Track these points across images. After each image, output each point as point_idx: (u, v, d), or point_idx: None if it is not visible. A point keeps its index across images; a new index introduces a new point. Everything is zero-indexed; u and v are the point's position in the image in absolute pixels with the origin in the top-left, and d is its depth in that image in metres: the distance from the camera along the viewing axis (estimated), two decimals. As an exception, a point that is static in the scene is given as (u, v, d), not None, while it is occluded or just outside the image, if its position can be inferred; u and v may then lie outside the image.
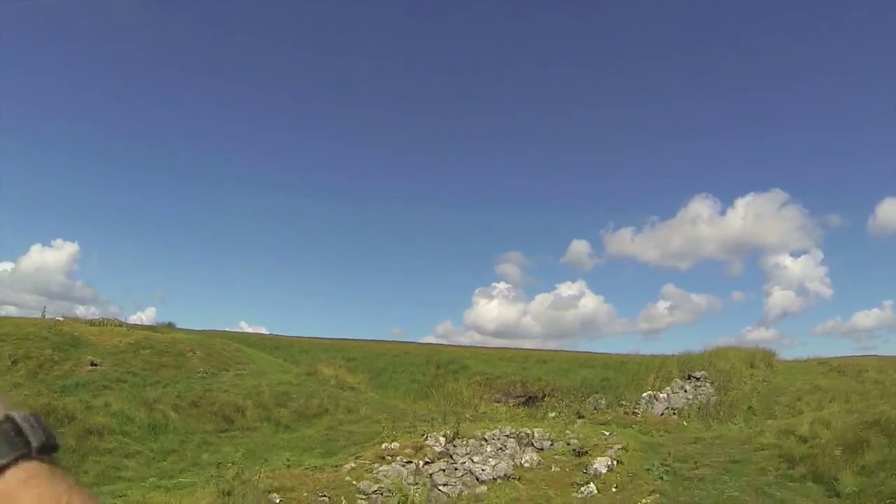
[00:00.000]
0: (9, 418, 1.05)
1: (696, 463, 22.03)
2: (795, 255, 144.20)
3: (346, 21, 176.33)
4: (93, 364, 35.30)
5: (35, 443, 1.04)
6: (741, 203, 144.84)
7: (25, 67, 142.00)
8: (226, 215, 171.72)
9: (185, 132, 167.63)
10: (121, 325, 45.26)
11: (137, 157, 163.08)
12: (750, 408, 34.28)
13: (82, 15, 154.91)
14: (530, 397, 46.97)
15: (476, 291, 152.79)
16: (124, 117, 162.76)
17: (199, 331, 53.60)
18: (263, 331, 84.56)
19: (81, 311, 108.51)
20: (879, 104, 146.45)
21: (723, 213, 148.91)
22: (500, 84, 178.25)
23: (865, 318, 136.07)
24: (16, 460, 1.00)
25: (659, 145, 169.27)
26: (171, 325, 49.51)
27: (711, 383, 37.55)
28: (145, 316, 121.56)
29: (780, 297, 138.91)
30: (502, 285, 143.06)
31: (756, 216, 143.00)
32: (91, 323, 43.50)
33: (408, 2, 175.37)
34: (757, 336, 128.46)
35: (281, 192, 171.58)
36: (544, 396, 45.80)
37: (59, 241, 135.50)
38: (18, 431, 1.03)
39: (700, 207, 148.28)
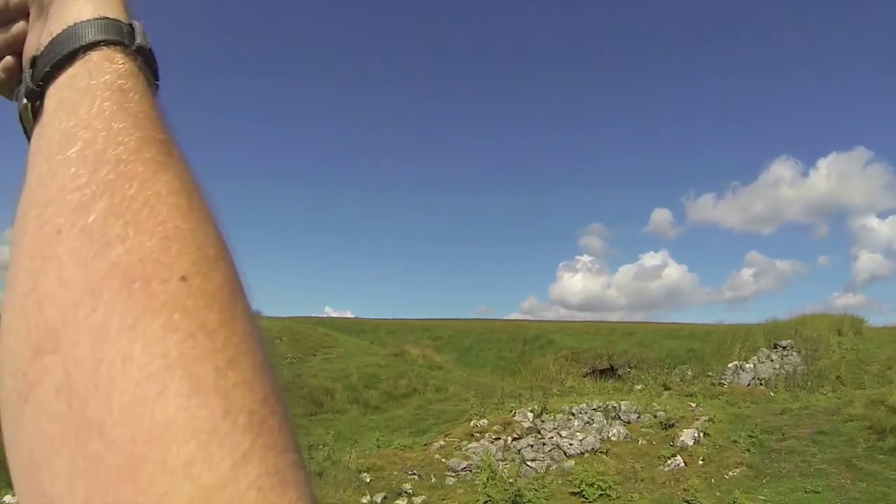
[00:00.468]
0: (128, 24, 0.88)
1: (783, 434, 21.78)
2: (883, 216, 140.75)
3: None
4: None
5: (139, 41, 0.87)
6: (823, 164, 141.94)
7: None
8: (311, 205, 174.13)
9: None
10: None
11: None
12: (838, 377, 33.54)
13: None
14: (617, 370, 46.80)
15: (560, 265, 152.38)
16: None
17: (286, 317, 54.44)
18: (349, 315, 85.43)
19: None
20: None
21: (805, 174, 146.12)
22: (572, 61, 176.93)
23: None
24: (111, 43, 0.84)
25: (736, 109, 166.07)
26: (257, 313, 50.40)
27: (798, 352, 36.86)
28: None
29: (867, 261, 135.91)
30: (586, 258, 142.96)
31: (840, 176, 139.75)
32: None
33: None
34: (845, 302, 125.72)
35: (365, 182, 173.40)
36: (631, 369, 45.60)
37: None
38: (130, 31, 0.87)
39: (781, 170, 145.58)
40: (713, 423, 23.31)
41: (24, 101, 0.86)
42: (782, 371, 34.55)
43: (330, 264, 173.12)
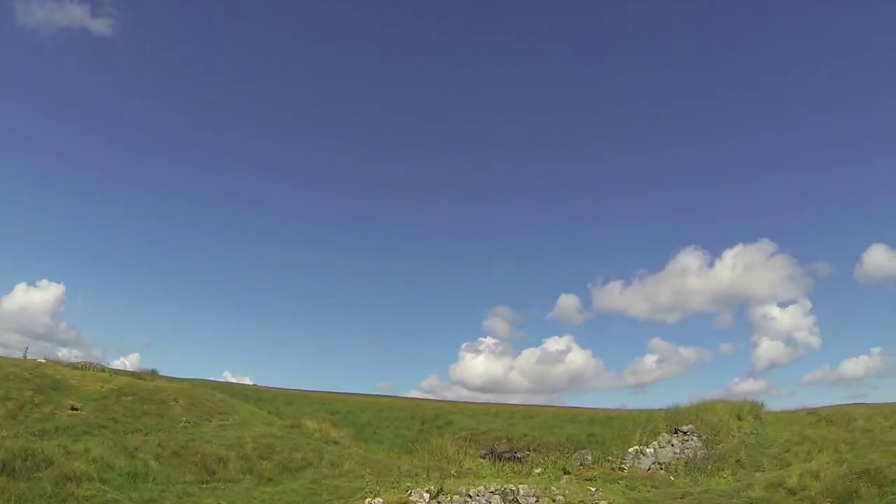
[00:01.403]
0: None
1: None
2: (783, 305, 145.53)
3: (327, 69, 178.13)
4: (73, 408, 34.83)
5: None
6: (729, 254, 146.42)
7: (11, 104, 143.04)
8: (214, 266, 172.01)
9: (179, 182, 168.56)
10: (103, 370, 44.88)
11: (130, 203, 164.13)
12: (738, 461, 34.01)
13: (70, 56, 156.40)
14: (516, 453, 46.52)
15: (463, 346, 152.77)
16: (120, 162, 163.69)
17: (183, 379, 53.08)
18: (247, 381, 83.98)
19: (64, 353, 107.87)
20: (864, 152, 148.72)
21: (711, 265, 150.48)
22: (486, 136, 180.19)
23: (854, 365, 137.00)
24: None
25: (647, 198, 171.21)
26: (154, 373, 49.14)
27: (699, 437, 37.32)
28: (129, 362, 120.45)
29: (768, 348, 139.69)
30: (489, 340, 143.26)
31: (745, 267, 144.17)
32: (73, 366, 43.10)
33: (379, 56, 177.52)
34: (745, 388, 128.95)
35: (269, 243, 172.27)
36: (531, 452, 45.40)
37: (44, 282, 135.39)
38: None
39: (689, 260, 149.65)
40: (613, 507, 23.21)
41: None
42: (683, 455, 34.85)
43: (232, 328, 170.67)
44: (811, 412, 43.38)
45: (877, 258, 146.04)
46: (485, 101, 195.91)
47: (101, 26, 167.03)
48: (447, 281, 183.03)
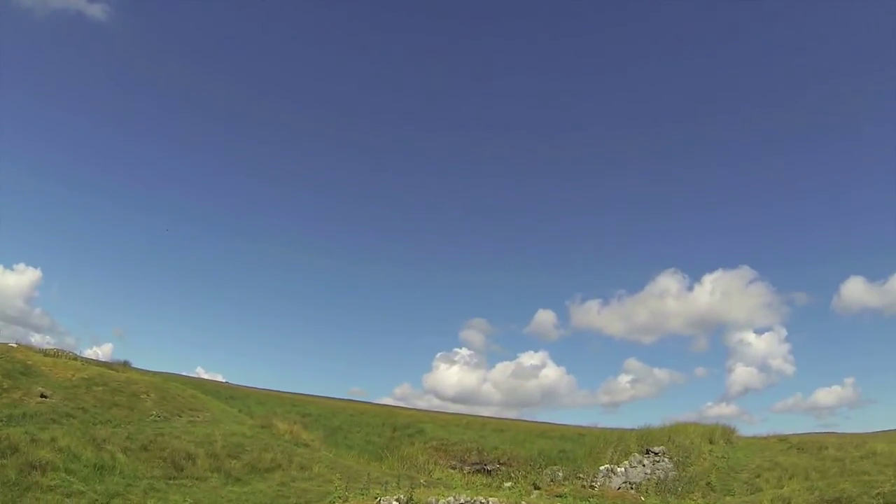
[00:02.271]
0: None
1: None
2: (760, 331, 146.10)
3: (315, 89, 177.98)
4: (43, 396, 34.36)
5: None
6: (709, 279, 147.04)
7: None
8: (192, 261, 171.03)
9: (163, 175, 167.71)
10: (75, 358, 44.32)
11: (114, 194, 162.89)
12: (708, 484, 34.02)
13: (63, 39, 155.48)
14: (486, 465, 46.37)
15: (438, 356, 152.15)
16: (105, 150, 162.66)
17: (155, 372, 52.66)
18: (220, 378, 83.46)
19: (37, 339, 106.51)
20: (847, 184, 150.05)
21: (690, 288, 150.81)
22: (472, 148, 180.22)
23: (827, 395, 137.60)
24: None
25: (631, 219, 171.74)
26: (126, 364, 48.60)
27: (670, 458, 37.30)
28: (101, 351, 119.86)
29: (742, 374, 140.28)
30: (465, 351, 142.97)
31: (723, 293, 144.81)
32: (45, 353, 42.54)
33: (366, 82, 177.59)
34: (718, 412, 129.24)
35: (251, 244, 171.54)
36: (501, 465, 45.26)
37: (21, 266, 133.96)
38: None
39: (668, 282, 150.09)
40: (583, 526, 23.10)
41: None
42: (654, 476, 34.82)
43: (208, 325, 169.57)
44: (782, 439, 43.52)
45: (854, 290, 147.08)
46: (469, 113, 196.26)
47: (96, 11, 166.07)
48: (426, 290, 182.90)
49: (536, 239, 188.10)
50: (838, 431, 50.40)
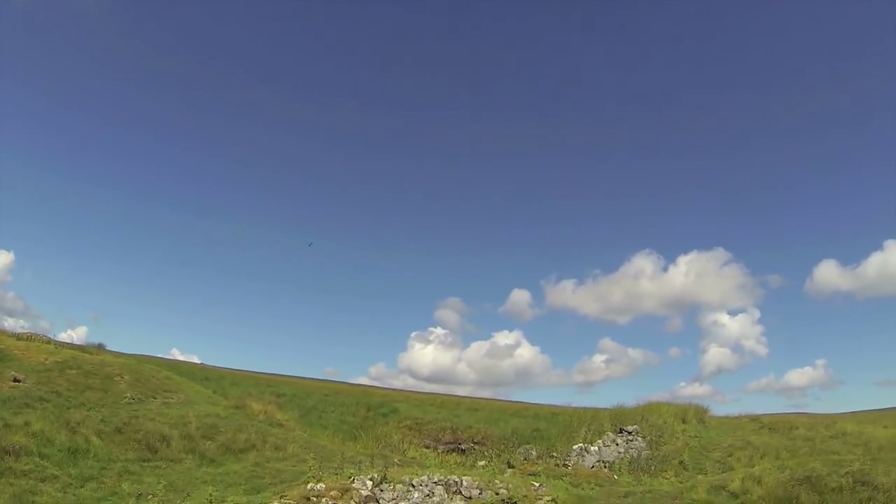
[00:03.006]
0: None
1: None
2: (733, 313, 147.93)
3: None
4: (15, 380, 34.28)
5: None
6: (683, 260, 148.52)
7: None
8: (165, 243, 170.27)
9: (138, 157, 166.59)
10: (49, 341, 44.20)
11: (85, 174, 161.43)
12: (681, 462, 34.51)
13: (53, 22, 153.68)
14: (460, 444, 46.70)
15: (412, 335, 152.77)
16: (74, 132, 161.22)
17: (130, 355, 52.52)
18: (195, 359, 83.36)
19: (10, 323, 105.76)
20: (822, 167, 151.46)
21: (665, 269, 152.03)
22: (447, 130, 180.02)
23: (798, 376, 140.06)
24: None
25: (607, 200, 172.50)
26: (100, 347, 48.48)
27: (643, 437, 37.79)
28: (76, 335, 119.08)
29: (715, 354, 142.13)
30: (439, 330, 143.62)
31: (698, 274, 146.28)
32: (18, 337, 42.39)
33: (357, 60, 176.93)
34: (691, 391, 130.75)
35: (225, 224, 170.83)
36: (475, 444, 45.60)
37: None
38: None
39: (643, 263, 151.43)
40: (556, 503, 23.34)
41: None
42: (627, 455, 35.28)
43: (182, 306, 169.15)
44: (754, 419, 44.19)
45: (827, 274, 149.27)
46: (445, 94, 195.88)
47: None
48: (401, 269, 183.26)
49: (512, 219, 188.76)
50: (809, 412, 51.36)
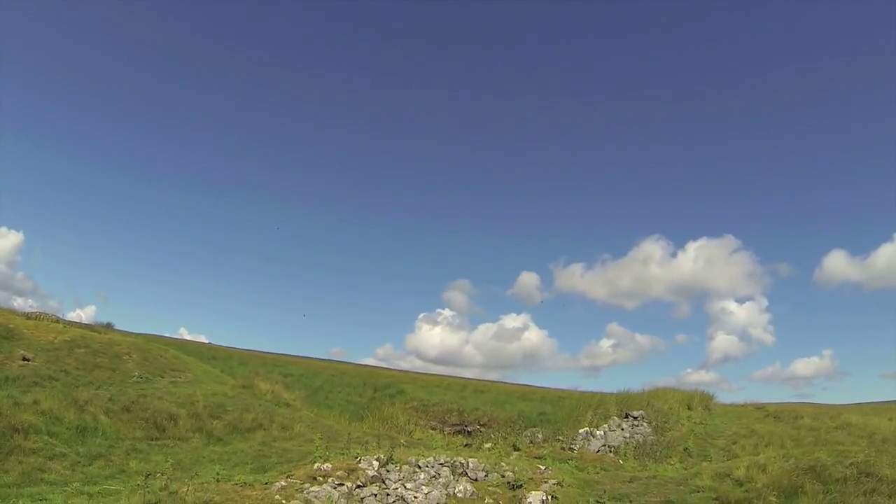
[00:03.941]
0: None
1: (631, 502, 22.01)
2: (741, 301, 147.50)
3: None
4: (25, 359, 34.47)
5: None
6: (693, 247, 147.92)
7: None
8: (174, 222, 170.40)
9: (146, 137, 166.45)
10: (57, 321, 44.41)
11: (94, 155, 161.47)
12: (686, 449, 34.54)
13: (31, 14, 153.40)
14: (467, 426, 46.79)
15: (420, 316, 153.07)
16: (82, 112, 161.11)
17: (138, 334, 52.73)
18: (203, 339, 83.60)
19: (19, 303, 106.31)
20: (834, 157, 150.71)
21: (674, 255, 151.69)
22: (459, 109, 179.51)
23: (805, 366, 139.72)
24: None
25: (617, 185, 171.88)
26: (109, 326, 48.72)
27: (649, 423, 37.82)
28: (84, 314, 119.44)
29: (722, 342, 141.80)
30: (447, 312, 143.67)
31: (706, 260, 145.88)
32: (27, 316, 42.62)
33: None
34: (697, 378, 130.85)
35: (230, 201, 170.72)
36: (482, 427, 45.68)
37: (3, 230, 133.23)
38: None
39: (652, 248, 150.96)
40: (562, 486, 23.40)
41: None
42: (632, 440, 35.31)
43: (192, 286, 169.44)
44: (759, 407, 44.23)
45: (836, 263, 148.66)
46: (453, 73, 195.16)
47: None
48: (409, 250, 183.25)
49: (521, 201, 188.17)
50: (814, 402, 51.33)
